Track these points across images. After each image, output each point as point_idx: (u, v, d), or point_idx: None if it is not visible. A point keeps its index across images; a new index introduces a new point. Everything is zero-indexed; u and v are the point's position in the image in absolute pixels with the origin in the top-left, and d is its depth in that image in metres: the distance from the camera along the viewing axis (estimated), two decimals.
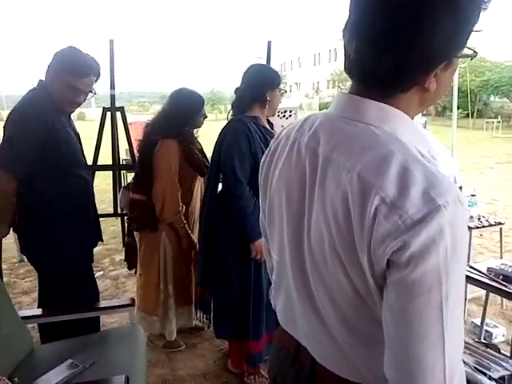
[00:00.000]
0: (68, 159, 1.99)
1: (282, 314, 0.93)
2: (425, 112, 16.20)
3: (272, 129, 2.27)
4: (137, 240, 2.45)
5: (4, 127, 1.85)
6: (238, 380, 2.29)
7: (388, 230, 0.60)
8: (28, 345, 1.87)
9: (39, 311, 2.02)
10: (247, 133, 2.04)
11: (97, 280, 2.33)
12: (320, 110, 27.27)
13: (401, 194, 0.60)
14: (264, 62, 3.55)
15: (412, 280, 0.60)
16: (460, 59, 0.75)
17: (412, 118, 0.75)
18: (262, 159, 0.91)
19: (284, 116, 3.82)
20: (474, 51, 0.74)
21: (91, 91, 2.02)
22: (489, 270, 2.10)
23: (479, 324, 2.54)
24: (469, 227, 2.78)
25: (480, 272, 2.10)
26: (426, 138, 0.78)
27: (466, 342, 1.85)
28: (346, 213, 0.65)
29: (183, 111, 2.27)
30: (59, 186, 1.96)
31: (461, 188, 2.90)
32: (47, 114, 1.87)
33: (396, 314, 0.63)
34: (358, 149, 0.68)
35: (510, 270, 2.03)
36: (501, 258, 2.98)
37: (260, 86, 2.10)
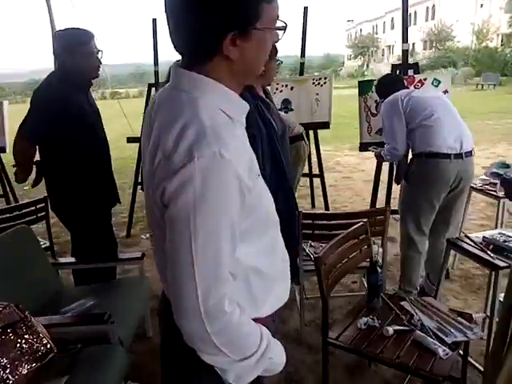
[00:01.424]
0: (85, 131, 2.30)
1: None
2: None
3: (267, 97, 2.35)
4: None
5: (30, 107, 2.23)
6: None
7: (160, 178, 0.75)
8: (56, 286, 2.28)
9: (67, 259, 2.43)
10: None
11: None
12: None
13: (174, 149, 0.74)
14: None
15: (170, 217, 0.74)
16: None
17: (232, 86, 0.85)
18: None
19: (319, 83, 3.81)
20: (285, 24, 0.83)
21: (99, 50, 2.30)
22: (484, 239, 1.99)
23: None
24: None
25: (472, 241, 2.00)
26: (242, 104, 0.87)
27: (438, 310, 1.83)
28: (151, 162, 0.79)
29: None
30: (80, 155, 2.29)
31: None
32: (65, 92, 2.19)
33: (167, 246, 0.77)
34: (165, 111, 0.81)
35: (502, 240, 1.90)
36: None
37: None
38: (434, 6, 38.61)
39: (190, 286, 0.74)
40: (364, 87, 3.03)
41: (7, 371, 1.55)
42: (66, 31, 2.27)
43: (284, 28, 0.85)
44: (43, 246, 2.81)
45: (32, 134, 2.23)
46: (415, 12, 43.33)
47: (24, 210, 2.71)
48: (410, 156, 2.63)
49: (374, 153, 2.87)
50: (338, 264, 1.79)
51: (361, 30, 52.07)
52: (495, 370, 1.10)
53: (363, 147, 3.17)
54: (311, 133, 3.79)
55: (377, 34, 47.89)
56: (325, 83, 3.77)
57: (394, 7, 47.64)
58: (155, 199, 0.77)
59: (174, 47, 0.83)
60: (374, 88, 2.96)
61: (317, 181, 4.29)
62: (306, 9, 3.70)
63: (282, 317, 2.62)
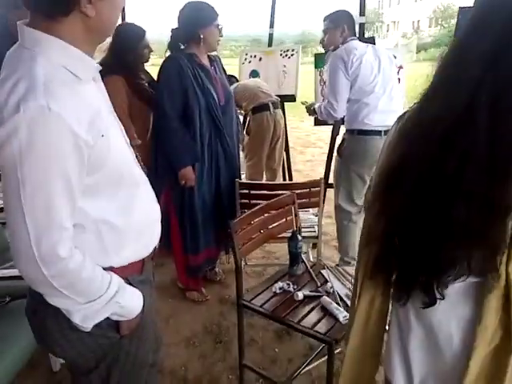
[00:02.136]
0: None
1: None
2: None
3: (212, 63, 2.35)
4: None
5: None
6: (182, 294, 2.61)
7: None
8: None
9: None
10: (178, 69, 2.17)
11: None
12: (418, 51, 24.94)
13: (4, 103, 0.77)
14: None
15: (1, 165, 0.78)
16: None
17: (86, 45, 0.88)
18: None
19: (286, 55, 3.78)
20: None
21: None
22: None
23: None
24: None
25: None
26: (89, 63, 0.90)
27: (350, 275, 1.89)
28: None
29: (122, 45, 2.41)
30: None
31: None
32: None
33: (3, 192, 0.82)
34: (5, 68, 0.85)
35: None
36: None
37: (191, 24, 2.19)
38: None
39: (22, 232, 0.79)
40: (320, 60, 3.01)
41: None
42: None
43: None
44: None
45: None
46: None
47: None
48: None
49: (305, 107, 2.86)
50: (257, 231, 1.85)
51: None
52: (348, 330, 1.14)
53: (318, 122, 3.18)
54: None
55: (382, 8, 46.76)
56: (292, 55, 3.73)
57: None
58: None
59: (25, 4, 0.85)
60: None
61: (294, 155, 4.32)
62: None
63: (226, 282, 2.73)
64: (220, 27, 2.26)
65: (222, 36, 2.30)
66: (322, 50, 2.85)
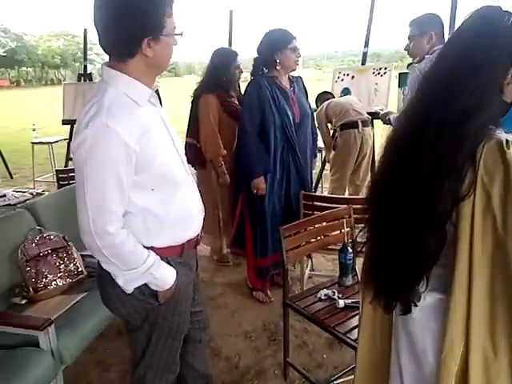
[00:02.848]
0: None
1: None
2: None
3: (292, 85, 2.57)
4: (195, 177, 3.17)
5: None
6: (250, 293, 2.84)
7: (73, 139, 1.11)
8: None
9: None
10: (258, 90, 2.44)
11: None
12: None
13: (82, 120, 1.10)
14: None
15: (74, 164, 1.11)
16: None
17: (147, 77, 1.18)
18: None
19: (379, 73, 3.83)
20: (182, 33, 1.16)
21: None
22: None
23: None
24: None
25: None
26: (142, 89, 1.18)
27: None
28: None
29: (216, 67, 2.78)
30: None
31: None
32: None
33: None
34: (92, 95, 1.18)
35: None
36: None
37: (268, 50, 2.45)
38: None
39: (84, 212, 1.11)
40: (404, 78, 3.01)
41: (48, 279, 2.12)
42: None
43: (180, 34, 1.16)
44: None
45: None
46: None
47: None
48: None
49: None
50: (309, 238, 2.00)
51: None
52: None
53: None
54: None
55: None
56: (385, 73, 3.77)
57: None
58: None
59: (104, 50, 1.18)
60: None
61: None
62: (373, 1, 3.73)
63: (291, 288, 2.89)
64: (297, 49, 2.47)
65: (299, 56, 2.50)
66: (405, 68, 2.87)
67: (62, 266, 2.20)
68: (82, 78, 4.96)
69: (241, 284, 2.99)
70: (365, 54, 3.96)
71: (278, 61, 2.44)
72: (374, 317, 1.16)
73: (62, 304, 2.05)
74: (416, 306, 0.97)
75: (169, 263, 1.27)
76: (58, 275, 2.17)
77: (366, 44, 3.89)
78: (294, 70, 2.57)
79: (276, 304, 2.71)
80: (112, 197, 1.11)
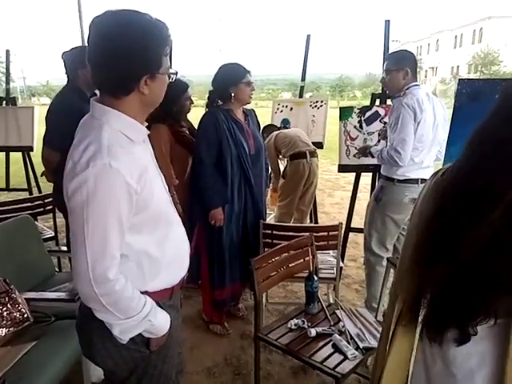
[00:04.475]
0: None
1: None
2: None
3: (246, 118, 2.63)
4: None
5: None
6: (206, 326, 2.77)
7: (67, 180, 1.03)
8: (49, 270, 2.63)
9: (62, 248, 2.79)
10: (215, 123, 2.46)
11: None
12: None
13: (78, 160, 1.02)
14: None
15: (71, 208, 1.03)
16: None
17: (140, 114, 1.14)
18: None
19: (316, 106, 4.05)
20: (176, 72, 1.13)
21: None
22: None
23: None
24: None
25: None
26: (140, 129, 1.15)
27: (366, 319, 2.02)
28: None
29: (167, 97, 2.74)
30: None
31: None
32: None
33: (70, 229, 1.05)
34: (80, 132, 1.11)
35: None
36: None
37: (223, 84, 2.50)
38: (481, 29, 37.78)
39: (82, 258, 1.03)
40: (344, 113, 3.24)
41: None
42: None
43: (175, 73, 1.15)
44: (49, 236, 3.20)
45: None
46: (461, 35, 42.52)
47: (36, 203, 3.14)
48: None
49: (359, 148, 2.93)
50: (276, 269, 2.03)
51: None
52: (378, 371, 1.23)
53: (341, 169, 3.36)
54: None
55: (420, 54, 47.31)
56: (321, 106, 4.01)
57: (439, 29, 46.92)
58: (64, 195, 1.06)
59: (96, 86, 1.13)
60: (353, 114, 3.19)
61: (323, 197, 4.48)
62: (308, 37, 3.98)
63: (248, 318, 2.87)
64: (251, 83, 2.54)
65: (253, 90, 2.58)
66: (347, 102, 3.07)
67: (6, 313, 1.97)
68: (4, 102, 4.59)
69: (194, 317, 2.90)
70: (302, 88, 4.18)
71: (233, 94, 2.49)
72: (404, 355, 1.13)
73: (9, 357, 1.83)
74: (476, 333, 0.98)
75: (160, 307, 1.21)
76: (2, 323, 1.94)
77: (303, 78, 4.12)
78: (249, 103, 2.64)
79: (235, 336, 2.68)
80: (113, 240, 1.05)
